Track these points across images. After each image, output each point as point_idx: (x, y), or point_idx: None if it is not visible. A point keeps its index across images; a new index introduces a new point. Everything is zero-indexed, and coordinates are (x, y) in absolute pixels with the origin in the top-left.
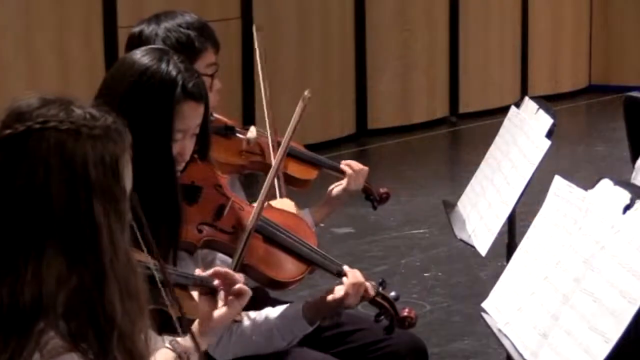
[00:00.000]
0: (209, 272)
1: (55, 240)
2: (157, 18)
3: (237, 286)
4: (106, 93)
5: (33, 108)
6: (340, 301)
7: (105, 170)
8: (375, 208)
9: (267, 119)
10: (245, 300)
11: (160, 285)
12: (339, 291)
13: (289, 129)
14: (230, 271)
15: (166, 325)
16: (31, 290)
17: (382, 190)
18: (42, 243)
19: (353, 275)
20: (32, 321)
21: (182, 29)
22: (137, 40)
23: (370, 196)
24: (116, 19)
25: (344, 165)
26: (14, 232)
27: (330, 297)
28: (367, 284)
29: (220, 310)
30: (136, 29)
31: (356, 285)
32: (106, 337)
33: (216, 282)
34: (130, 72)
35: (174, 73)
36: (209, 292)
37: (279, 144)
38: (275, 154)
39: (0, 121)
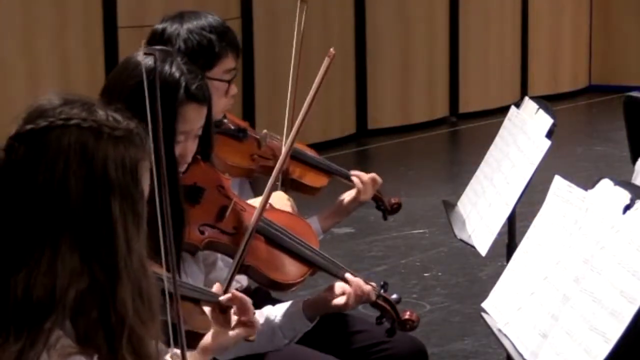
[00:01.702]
0: (228, 295)
1: (71, 235)
2: (181, 17)
3: (249, 318)
4: (109, 93)
5: (56, 105)
6: (341, 307)
7: (125, 172)
8: (385, 218)
9: (287, 107)
10: (254, 330)
11: (170, 297)
12: (339, 299)
13: (313, 87)
14: (247, 300)
15: (174, 338)
16: (44, 284)
17: (393, 200)
18: (58, 237)
19: (356, 285)
20: (44, 316)
21: (204, 32)
22: (158, 37)
23: (382, 206)
24: (116, 19)
25: (354, 176)
26: (31, 223)
27: (332, 303)
28: (369, 287)
29: (235, 331)
30: (159, 26)
31: (357, 296)
32: (116, 336)
33: (223, 298)
34: (133, 73)
35: (177, 75)
36: (220, 310)
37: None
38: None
39: (22, 118)
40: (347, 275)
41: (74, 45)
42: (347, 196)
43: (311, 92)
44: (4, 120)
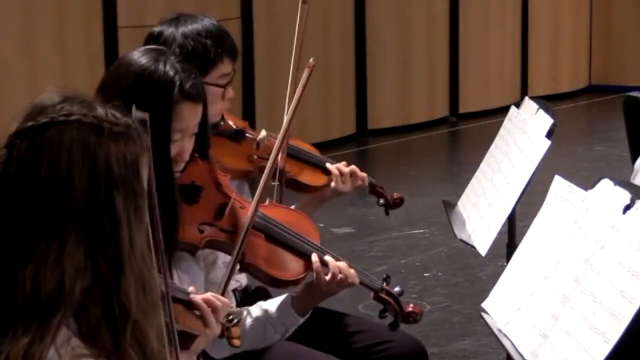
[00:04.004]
0: (202, 296)
1: (77, 230)
2: (177, 21)
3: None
4: (104, 93)
5: (56, 102)
6: (317, 284)
7: (126, 167)
8: (387, 213)
9: (286, 104)
10: (220, 313)
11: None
12: (315, 275)
13: (295, 97)
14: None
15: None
16: (53, 279)
17: (395, 195)
18: (64, 232)
19: (332, 264)
20: (53, 310)
21: (200, 37)
22: (154, 40)
23: (384, 201)
24: (116, 19)
25: (332, 166)
26: (36, 219)
27: (313, 284)
28: (352, 271)
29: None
30: (156, 29)
31: (335, 274)
32: (120, 329)
33: (194, 298)
34: (127, 73)
35: (171, 74)
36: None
37: (289, 147)
38: (283, 156)
39: (22, 116)
40: (327, 258)
41: (74, 45)
42: None
43: (293, 103)
44: (3, 120)
